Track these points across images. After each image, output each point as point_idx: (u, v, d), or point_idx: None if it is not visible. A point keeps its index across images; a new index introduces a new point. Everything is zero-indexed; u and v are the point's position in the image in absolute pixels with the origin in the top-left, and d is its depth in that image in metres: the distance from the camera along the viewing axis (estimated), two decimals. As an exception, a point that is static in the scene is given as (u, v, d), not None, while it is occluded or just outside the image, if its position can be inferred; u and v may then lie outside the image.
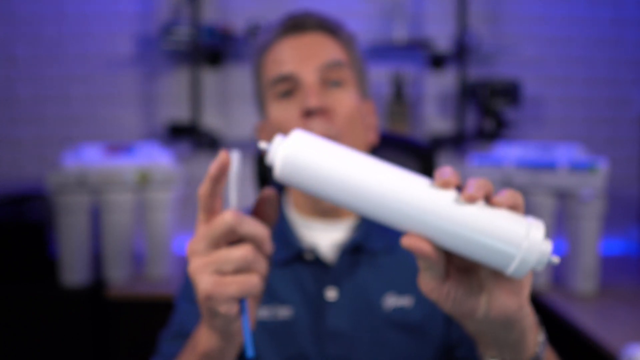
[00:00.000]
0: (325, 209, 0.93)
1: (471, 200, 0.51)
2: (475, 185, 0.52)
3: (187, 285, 0.96)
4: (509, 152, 2.07)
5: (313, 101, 0.86)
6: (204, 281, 0.55)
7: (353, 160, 0.54)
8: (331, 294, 0.90)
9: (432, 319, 0.92)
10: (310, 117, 0.87)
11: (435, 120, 2.51)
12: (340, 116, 0.88)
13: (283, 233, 0.94)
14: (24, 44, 2.47)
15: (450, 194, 0.52)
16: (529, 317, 0.57)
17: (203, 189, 0.57)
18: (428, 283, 0.55)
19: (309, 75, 0.88)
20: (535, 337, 0.60)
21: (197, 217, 0.59)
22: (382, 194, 0.52)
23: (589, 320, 1.67)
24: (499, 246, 0.51)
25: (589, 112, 2.58)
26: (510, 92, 2.30)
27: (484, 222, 0.51)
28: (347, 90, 0.91)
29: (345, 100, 0.90)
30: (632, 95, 2.58)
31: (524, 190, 1.98)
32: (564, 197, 1.97)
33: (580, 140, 2.55)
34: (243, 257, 0.56)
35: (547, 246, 0.52)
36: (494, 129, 2.37)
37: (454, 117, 2.47)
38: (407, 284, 0.92)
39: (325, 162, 0.54)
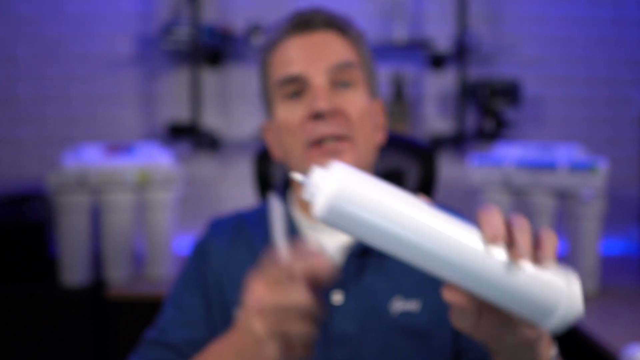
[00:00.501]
0: None
1: (519, 260, 0.52)
2: (523, 241, 0.53)
3: (179, 289, 0.96)
4: (509, 152, 2.07)
5: (322, 104, 0.84)
6: (274, 346, 0.61)
7: (402, 205, 0.52)
8: (337, 297, 0.89)
9: (439, 323, 0.91)
10: (319, 119, 0.85)
11: (435, 120, 2.51)
12: (350, 118, 0.86)
13: (288, 235, 0.92)
14: (24, 44, 2.47)
15: (499, 251, 0.53)
16: (544, 336, 0.60)
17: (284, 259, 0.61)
18: (460, 322, 0.58)
19: (318, 76, 0.86)
20: (548, 352, 0.62)
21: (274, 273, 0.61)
22: (434, 248, 0.52)
23: (589, 320, 1.67)
24: (541, 306, 0.53)
25: (589, 112, 2.58)
26: (510, 92, 2.30)
27: (530, 283, 0.52)
28: (356, 90, 0.89)
29: (355, 102, 0.87)
30: (632, 95, 2.58)
31: (524, 190, 1.98)
32: (564, 197, 1.97)
33: (580, 140, 2.55)
34: (307, 335, 0.61)
35: (581, 301, 0.53)
36: (494, 129, 2.37)
37: (454, 117, 2.47)
38: (414, 288, 0.91)
39: (374, 206, 0.52)
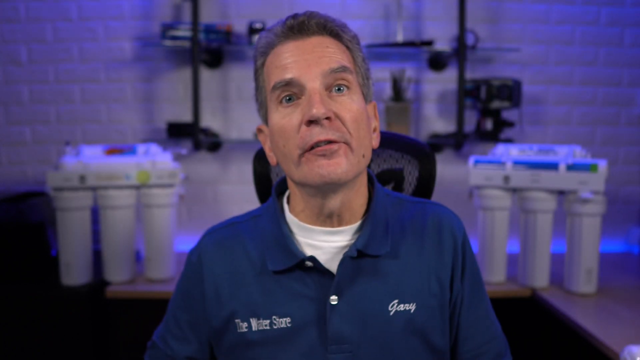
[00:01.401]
0: (328, 215, 0.92)
1: None
2: None
3: (176, 302, 1.01)
4: (509, 152, 2.07)
5: (318, 110, 0.84)
6: None
7: None
8: (332, 301, 0.90)
9: (434, 322, 0.92)
10: (314, 125, 0.85)
11: (435, 120, 2.51)
12: (346, 123, 0.87)
13: (283, 241, 0.93)
14: (24, 43, 2.47)
15: None
16: None
17: None
18: None
19: (313, 82, 0.86)
20: None
21: None
22: None
23: (588, 319, 1.67)
24: None
25: (589, 112, 2.58)
26: (510, 92, 2.30)
27: None
28: (351, 95, 0.89)
29: (350, 106, 0.88)
30: (632, 95, 2.58)
31: (524, 190, 1.99)
32: (564, 196, 1.97)
33: (580, 140, 2.55)
34: None
35: None
36: (494, 129, 2.37)
37: (454, 117, 2.47)
38: (409, 290, 0.92)
39: None
